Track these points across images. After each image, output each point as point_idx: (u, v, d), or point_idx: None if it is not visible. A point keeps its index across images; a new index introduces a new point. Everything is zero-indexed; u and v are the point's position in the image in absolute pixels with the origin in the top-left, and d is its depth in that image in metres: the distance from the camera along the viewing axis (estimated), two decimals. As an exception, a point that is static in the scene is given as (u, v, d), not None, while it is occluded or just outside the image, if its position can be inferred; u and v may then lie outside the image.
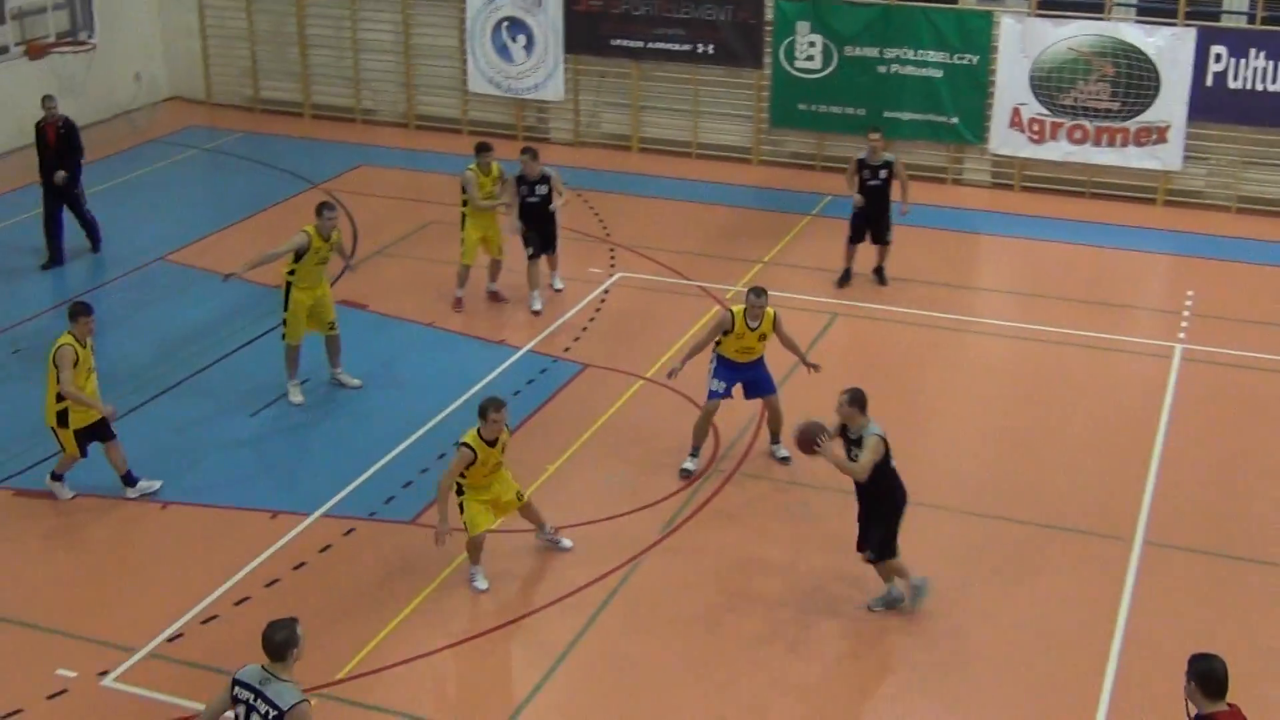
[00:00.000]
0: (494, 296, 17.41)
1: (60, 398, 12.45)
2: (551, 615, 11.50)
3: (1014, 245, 20.11)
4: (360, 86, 25.24)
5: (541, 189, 16.69)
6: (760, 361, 13.48)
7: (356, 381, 15.19)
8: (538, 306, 17.03)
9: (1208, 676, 7.74)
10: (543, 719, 10.35)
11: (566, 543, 12.26)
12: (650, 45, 23.14)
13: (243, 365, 15.69)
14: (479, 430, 11.37)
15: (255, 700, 7.89)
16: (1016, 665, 10.91)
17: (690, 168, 22.94)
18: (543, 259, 17.20)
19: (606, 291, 17.85)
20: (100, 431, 12.79)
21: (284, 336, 14.83)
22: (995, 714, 10.40)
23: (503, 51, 23.87)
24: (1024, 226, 20.57)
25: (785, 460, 13.66)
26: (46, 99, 18.69)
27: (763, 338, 13.27)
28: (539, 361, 15.89)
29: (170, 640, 11.07)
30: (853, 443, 10.99)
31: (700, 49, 22.89)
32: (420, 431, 14.30)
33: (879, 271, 17.95)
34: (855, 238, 17.77)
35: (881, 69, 22.01)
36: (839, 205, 21.13)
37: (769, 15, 22.42)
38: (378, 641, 11.08)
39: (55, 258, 18.61)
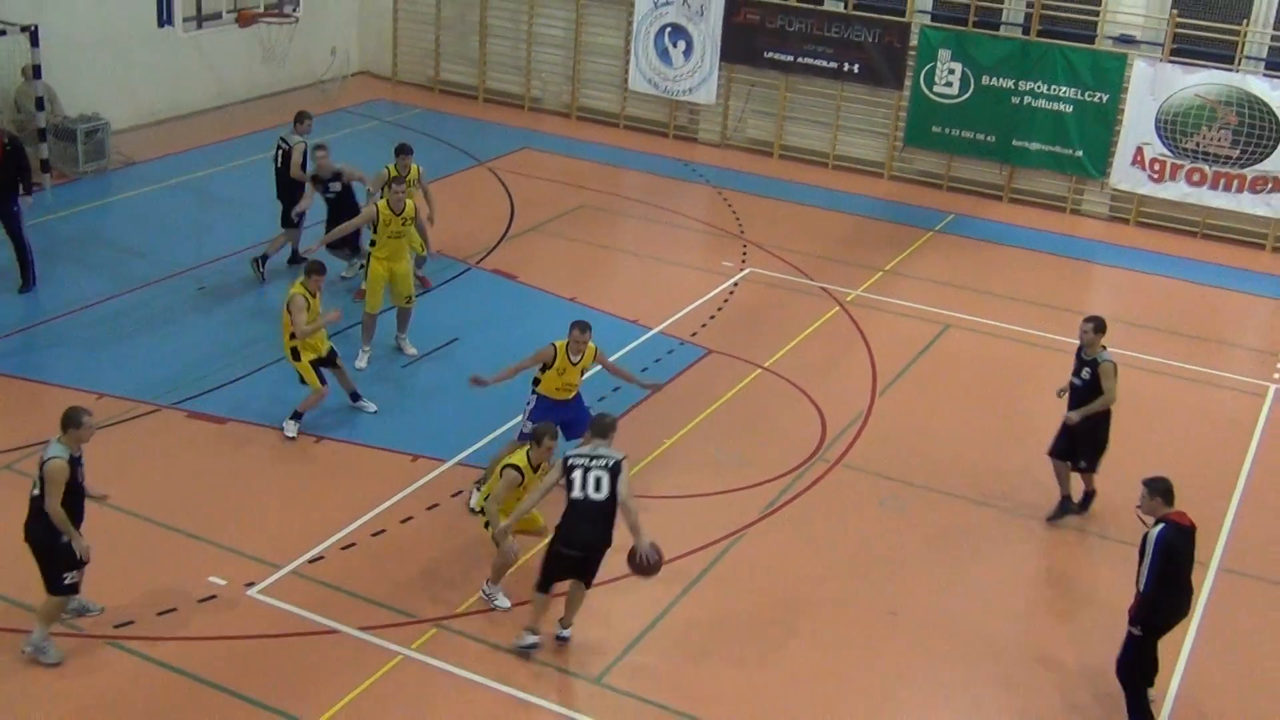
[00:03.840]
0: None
1: (292, 335, 13.00)
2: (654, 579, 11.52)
3: (1124, 276, 19.62)
4: (531, 76, 25.43)
5: None
6: (578, 400, 12.36)
7: (414, 350, 15.03)
8: None
9: (1168, 490, 9.59)
10: (634, 674, 10.41)
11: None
12: (800, 60, 22.97)
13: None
14: (528, 452, 10.76)
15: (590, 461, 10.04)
16: (1081, 676, 10.68)
17: (825, 177, 22.75)
18: None
19: (736, 284, 17.79)
20: (329, 361, 13.35)
21: (366, 306, 14.71)
22: None
23: (663, 55, 23.87)
24: (1135, 260, 20.07)
25: None
26: None
27: (583, 372, 12.21)
28: (667, 343, 15.91)
29: (312, 561, 11.33)
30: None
31: (846, 67, 22.66)
32: (553, 396, 14.40)
33: (1086, 497, 12.94)
34: (1058, 451, 12.75)
35: (1015, 100, 21.61)
36: (961, 223, 20.86)
37: (914, 41, 22.14)
38: (495, 583, 11.21)
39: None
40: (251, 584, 10.96)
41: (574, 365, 12.09)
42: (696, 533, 12.14)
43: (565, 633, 10.54)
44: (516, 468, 10.66)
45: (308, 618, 10.60)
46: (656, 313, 16.64)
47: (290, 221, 16.77)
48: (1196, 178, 20.69)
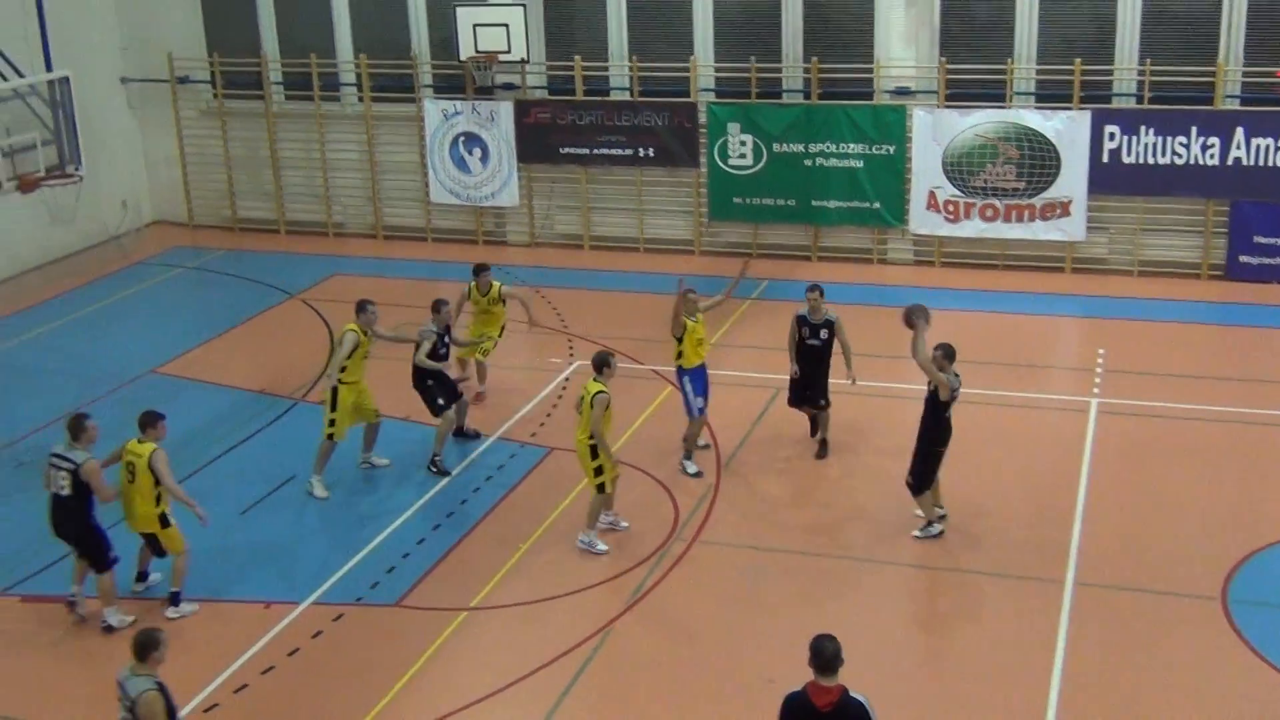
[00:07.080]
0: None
1: (159, 500, 12.26)
2: (532, 685, 11.40)
3: (937, 317, 20.07)
4: (330, 202, 25.32)
5: (824, 333, 15.05)
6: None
7: (386, 461, 15.33)
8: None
9: (813, 652, 8.25)
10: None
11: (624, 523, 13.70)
12: (596, 151, 23.36)
13: (230, 467, 15.59)
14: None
15: None
16: (961, 707, 10.86)
17: (638, 261, 23.08)
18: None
19: (567, 379, 17.86)
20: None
21: (330, 436, 14.67)
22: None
23: (461, 164, 24.04)
24: (945, 299, 20.71)
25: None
26: None
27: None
28: (508, 448, 15.87)
29: (175, 730, 10.89)
30: None
31: (642, 152, 23.13)
32: (401, 518, 14.23)
33: (822, 444, 15.44)
34: (794, 400, 15.47)
35: (807, 162, 22.30)
36: (776, 288, 21.33)
37: (703, 119, 22.71)
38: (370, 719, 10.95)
39: None
40: (114, 764, 10.48)
41: (695, 322, 14.70)
42: (568, 633, 12.05)
43: None
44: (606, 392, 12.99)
45: (179, 789, 10.17)
46: (493, 419, 16.59)
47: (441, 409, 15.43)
48: (990, 213, 21.58)
